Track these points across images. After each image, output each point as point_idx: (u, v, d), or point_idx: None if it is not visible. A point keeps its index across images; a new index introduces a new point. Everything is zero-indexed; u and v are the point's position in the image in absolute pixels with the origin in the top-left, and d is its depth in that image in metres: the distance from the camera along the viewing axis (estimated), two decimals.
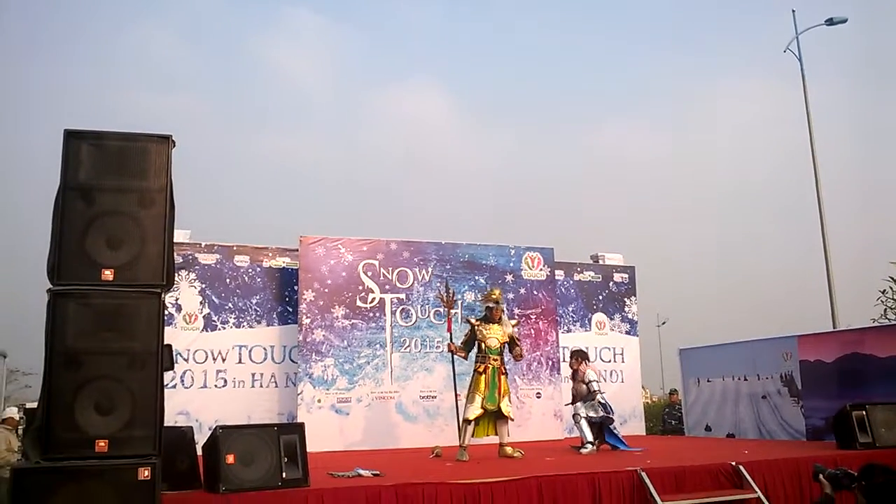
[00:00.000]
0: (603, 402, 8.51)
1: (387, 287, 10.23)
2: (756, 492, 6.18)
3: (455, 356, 8.17)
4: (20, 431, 9.63)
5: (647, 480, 5.94)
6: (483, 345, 7.91)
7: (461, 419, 7.89)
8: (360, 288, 10.09)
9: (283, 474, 5.06)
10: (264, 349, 9.98)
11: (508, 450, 7.74)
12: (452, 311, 8.82)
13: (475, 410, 7.69)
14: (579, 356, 8.96)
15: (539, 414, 10.67)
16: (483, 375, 7.77)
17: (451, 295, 8.90)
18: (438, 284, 10.18)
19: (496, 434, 7.91)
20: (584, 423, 8.36)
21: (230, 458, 4.93)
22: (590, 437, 8.27)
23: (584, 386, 8.61)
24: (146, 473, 4.04)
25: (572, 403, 8.74)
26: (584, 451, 8.14)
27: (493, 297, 8.13)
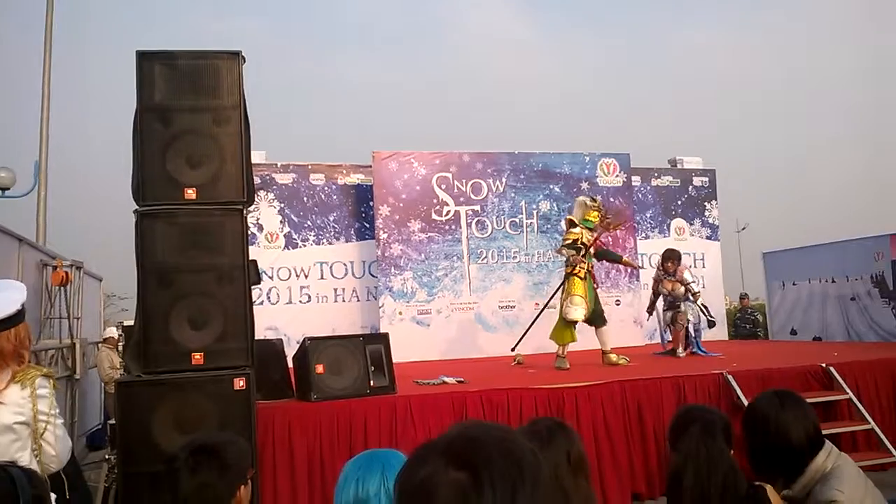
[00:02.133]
0: (703, 305, 8.30)
1: (461, 199, 10.19)
2: (847, 393, 6.05)
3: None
4: (120, 349, 10.15)
5: (734, 383, 5.87)
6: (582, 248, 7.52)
7: (561, 321, 7.40)
8: (435, 201, 10.08)
9: (371, 382, 5.19)
10: (344, 265, 10.17)
11: (613, 357, 7.41)
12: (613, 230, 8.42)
13: (579, 312, 7.26)
14: (677, 258, 8.44)
15: (618, 321, 10.57)
16: (581, 279, 7.38)
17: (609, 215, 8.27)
18: (513, 195, 10.09)
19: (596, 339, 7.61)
20: (690, 327, 8.17)
21: (320, 368, 5.08)
22: (681, 344, 8.11)
23: (683, 287, 8.24)
24: (241, 383, 4.19)
25: (667, 309, 8.40)
26: (680, 353, 8.04)
27: (597, 204, 7.86)
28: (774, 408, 2.38)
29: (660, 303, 8.70)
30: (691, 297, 8.26)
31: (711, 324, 8.43)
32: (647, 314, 9.13)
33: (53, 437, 2.59)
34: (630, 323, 10.66)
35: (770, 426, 2.35)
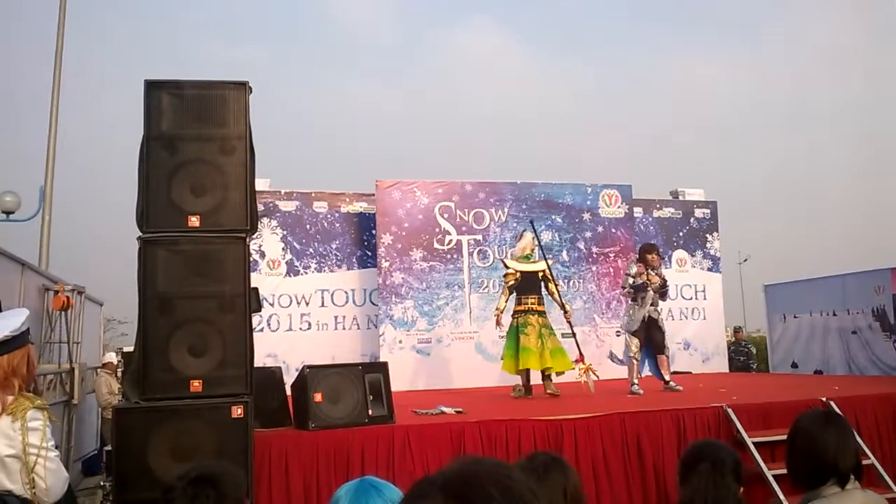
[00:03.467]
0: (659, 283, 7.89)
1: (463, 228, 10.23)
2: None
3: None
4: (119, 375, 10.14)
5: (734, 416, 5.84)
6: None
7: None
8: (437, 230, 10.13)
9: (370, 412, 5.18)
10: (345, 293, 10.18)
11: (552, 388, 7.60)
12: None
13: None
14: (657, 249, 8.08)
15: (618, 352, 10.59)
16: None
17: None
18: (515, 224, 10.15)
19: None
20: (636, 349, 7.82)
21: (318, 397, 5.07)
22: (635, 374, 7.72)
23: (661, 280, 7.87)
24: (239, 411, 4.19)
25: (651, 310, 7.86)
26: (637, 389, 7.54)
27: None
28: (816, 423, 2.50)
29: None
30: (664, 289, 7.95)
31: (664, 293, 7.98)
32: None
33: (44, 470, 2.55)
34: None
35: (809, 442, 2.45)
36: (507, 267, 8.01)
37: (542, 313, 7.78)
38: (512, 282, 7.85)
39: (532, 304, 7.78)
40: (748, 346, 13.81)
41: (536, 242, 8.21)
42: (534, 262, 8.01)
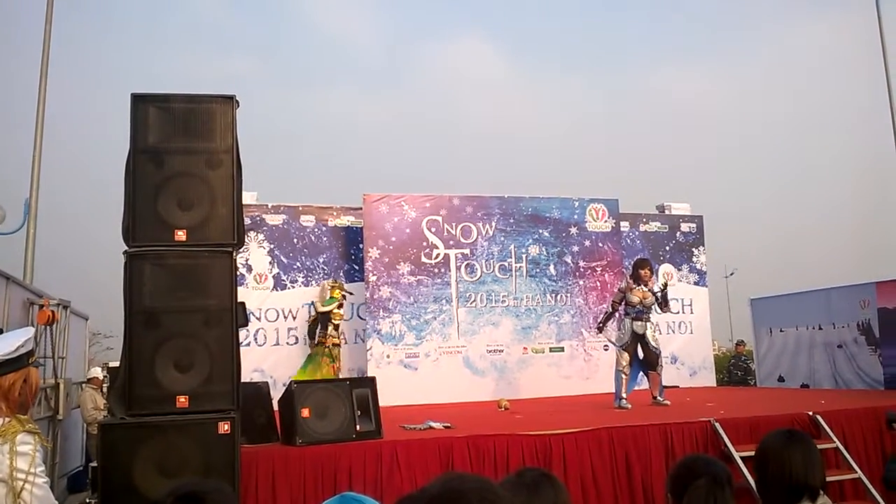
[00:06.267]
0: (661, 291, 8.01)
1: (451, 243, 10.23)
2: (834, 442, 6.03)
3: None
4: (105, 390, 10.05)
5: (721, 431, 5.85)
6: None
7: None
8: (425, 244, 10.12)
9: (357, 427, 5.16)
10: None
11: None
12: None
13: None
14: (651, 266, 8.21)
15: (606, 366, 10.58)
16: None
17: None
18: (503, 238, 10.19)
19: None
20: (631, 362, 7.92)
21: (305, 412, 5.04)
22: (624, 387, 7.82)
23: (652, 297, 7.95)
24: (226, 427, 4.15)
25: (635, 318, 7.90)
26: (625, 404, 7.66)
27: (338, 283, 10.00)
28: (782, 443, 2.57)
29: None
30: (657, 305, 7.99)
31: (664, 302, 8.03)
32: (597, 330, 8.75)
33: (31, 496, 2.47)
34: None
35: (775, 460, 2.54)
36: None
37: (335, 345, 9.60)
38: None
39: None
40: (747, 361, 13.76)
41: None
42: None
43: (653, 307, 7.97)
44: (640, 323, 7.87)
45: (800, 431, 2.72)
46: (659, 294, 7.94)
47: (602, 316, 8.62)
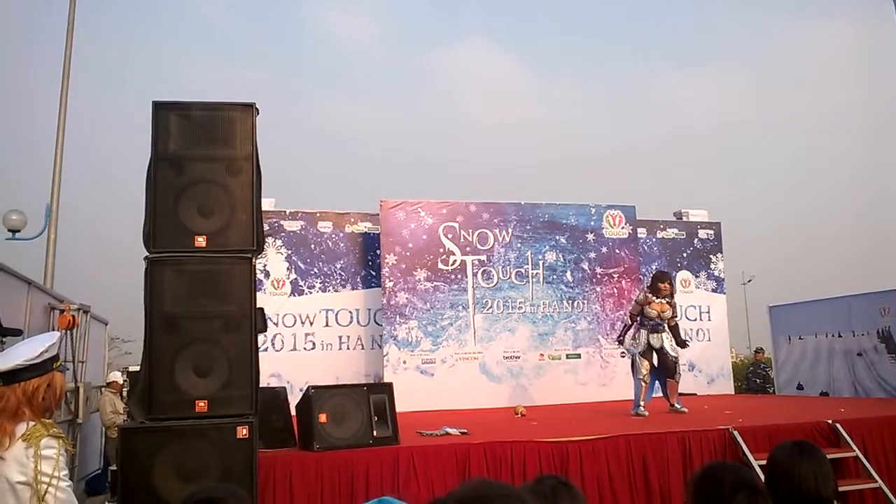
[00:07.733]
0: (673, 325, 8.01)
1: (467, 249, 10.24)
2: (854, 450, 5.97)
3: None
4: (124, 394, 10.14)
5: (740, 439, 5.81)
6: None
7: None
8: (441, 250, 10.14)
9: (374, 433, 5.16)
10: (350, 312, 10.19)
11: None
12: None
13: None
14: (671, 279, 8.20)
15: (623, 373, 10.54)
16: None
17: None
18: (520, 245, 10.19)
19: None
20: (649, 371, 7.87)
21: (323, 418, 5.06)
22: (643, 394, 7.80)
23: (671, 309, 7.93)
24: (244, 432, 4.18)
25: (652, 331, 7.89)
26: (643, 411, 7.61)
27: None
28: (791, 456, 2.55)
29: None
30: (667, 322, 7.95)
31: (684, 344, 8.07)
32: (617, 342, 8.77)
33: (55, 500, 2.50)
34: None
35: (785, 474, 2.51)
36: None
37: None
38: None
39: None
40: (766, 368, 13.61)
41: None
42: None
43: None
44: (656, 335, 7.86)
45: (808, 442, 2.68)
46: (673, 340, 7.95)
47: (622, 328, 8.61)
